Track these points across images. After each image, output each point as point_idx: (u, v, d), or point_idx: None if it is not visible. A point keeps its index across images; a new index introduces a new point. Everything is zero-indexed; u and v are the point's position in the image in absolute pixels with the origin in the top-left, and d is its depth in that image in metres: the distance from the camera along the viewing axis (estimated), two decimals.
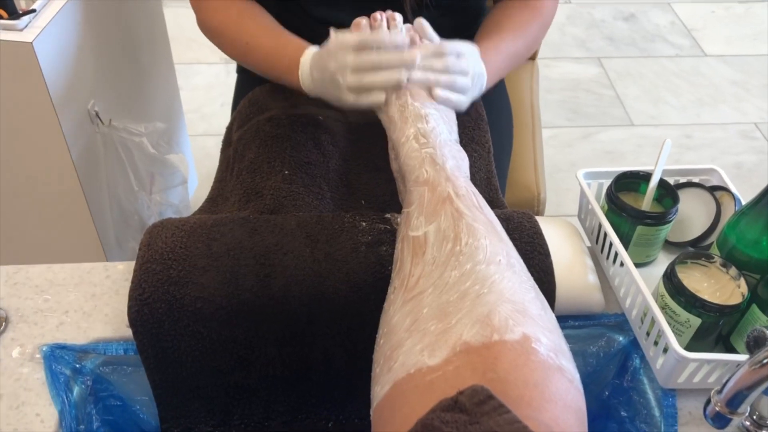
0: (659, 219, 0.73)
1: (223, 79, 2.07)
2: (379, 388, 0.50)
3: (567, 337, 0.64)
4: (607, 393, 0.71)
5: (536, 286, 0.56)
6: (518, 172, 1.08)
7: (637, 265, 0.75)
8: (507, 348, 0.47)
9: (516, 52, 0.90)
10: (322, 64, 0.75)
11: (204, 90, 2.03)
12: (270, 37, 0.84)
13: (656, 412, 0.66)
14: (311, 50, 0.79)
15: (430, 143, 0.69)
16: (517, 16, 0.90)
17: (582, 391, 0.49)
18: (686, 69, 2.30)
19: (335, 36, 0.74)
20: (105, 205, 1.09)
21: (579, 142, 1.96)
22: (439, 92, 0.73)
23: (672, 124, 2.05)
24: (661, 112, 2.09)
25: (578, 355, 0.73)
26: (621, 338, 0.72)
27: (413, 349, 0.49)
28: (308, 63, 0.78)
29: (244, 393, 0.70)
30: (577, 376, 0.49)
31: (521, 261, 0.59)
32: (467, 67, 0.76)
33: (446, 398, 0.42)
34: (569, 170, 1.84)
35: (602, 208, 0.77)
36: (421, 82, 0.74)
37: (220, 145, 0.97)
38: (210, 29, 0.88)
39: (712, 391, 0.50)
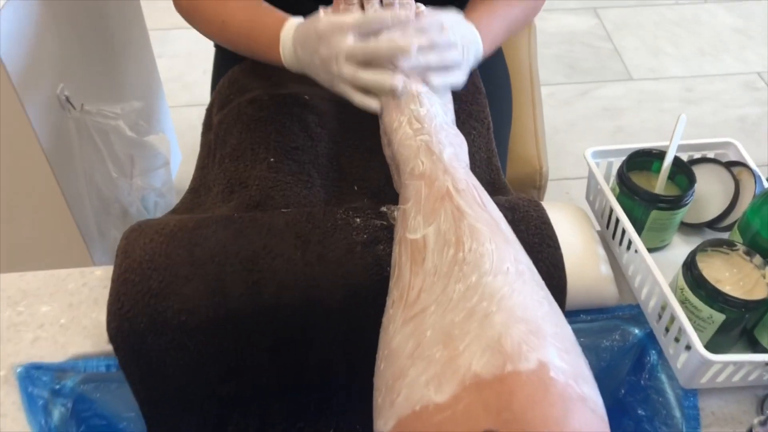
0: (675, 203, 0.68)
1: (204, 44, 1.97)
2: (383, 423, 0.46)
3: (578, 332, 0.59)
4: (623, 391, 0.68)
5: (549, 294, 0.52)
6: (518, 144, 1.02)
7: (651, 250, 0.70)
8: (522, 380, 0.42)
9: (514, 16, 0.83)
10: (311, 46, 0.67)
11: (184, 57, 1.94)
12: (247, 12, 0.76)
13: (677, 413, 0.62)
14: (292, 23, 0.71)
15: (425, 129, 0.63)
16: None
17: (606, 419, 0.45)
18: (686, 17, 2.21)
19: (326, 16, 0.66)
20: (83, 195, 1.03)
21: (577, 100, 1.90)
22: (434, 81, 0.66)
23: (672, 77, 1.98)
24: (660, 63, 2.02)
25: (590, 350, 0.69)
26: (636, 331, 0.68)
27: (418, 381, 0.44)
28: (290, 38, 0.71)
29: (237, 404, 0.66)
30: (599, 401, 0.45)
31: (530, 264, 0.54)
32: (454, 38, 0.69)
33: None
34: (568, 131, 1.78)
35: (613, 190, 0.72)
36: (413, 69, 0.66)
37: (203, 115, 0.91)
38: (184, 9, 0.80)
39: (755, 422, 0.46)
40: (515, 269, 0.51)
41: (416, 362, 0.46)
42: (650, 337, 0.67)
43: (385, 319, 0.53)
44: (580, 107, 1.87)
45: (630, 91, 1.92)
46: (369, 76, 0.64)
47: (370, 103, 0.66)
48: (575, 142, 1.75)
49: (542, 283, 0.53)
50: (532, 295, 0.49)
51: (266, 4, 0.77)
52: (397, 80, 0.64)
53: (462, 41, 0.69)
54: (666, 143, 0.72)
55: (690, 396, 0.62)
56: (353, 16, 0.64)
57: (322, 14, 0.66)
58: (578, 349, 0.48)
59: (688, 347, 0.59)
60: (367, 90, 0.66)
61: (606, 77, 1.97)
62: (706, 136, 0.72)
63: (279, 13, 0.74)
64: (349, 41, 0.63)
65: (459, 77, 0.69)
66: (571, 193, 1.62)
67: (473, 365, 0.43)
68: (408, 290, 0.52)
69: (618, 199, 0.71)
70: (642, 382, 0.66)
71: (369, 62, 0.65)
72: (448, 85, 0.68)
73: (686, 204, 0.69)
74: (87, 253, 1.04)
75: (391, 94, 0.64)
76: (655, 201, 0.68)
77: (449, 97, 0.70)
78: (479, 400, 0.42)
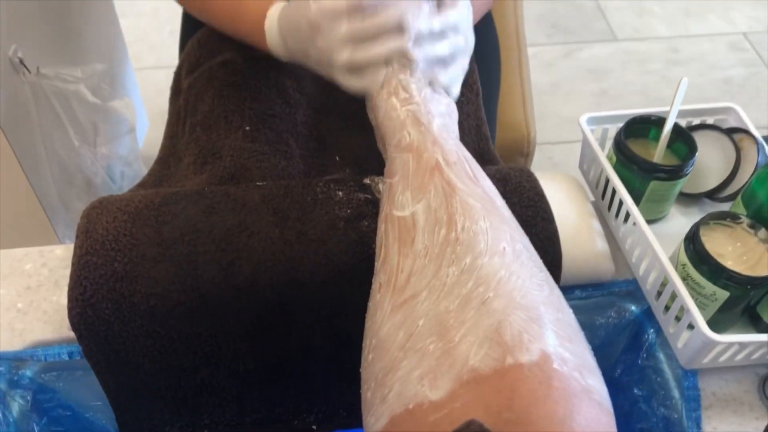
0: (675, 173, 0.65)
1: (171, 2, 1.88)
2: (373, 421, 0.42)
3: (572, 308, 0.56)
4: (618, 371, 0.65)
5: (548, 276, 0.48)
6: (505, 108, 0.97)
7: (648, 222, 0.67)
8: (524, 375, 0.38)
9: None
10: (304, 38, 0.59)
11: (150, 16, 1.84)
12: None
13: (676, 393, 0.59)
14: (275, 11, 0.63)
15: (413, 98, 0.58)
16: None
17: (612, 411, 0.41)
18: None
19: (317, 3, 0.57)
20: (43, 165, 0.96)
21: (560, 61, 1.85)
22: (442, 78, 0.59)
23: (657, 37, 1.93)
24: (645, 23, 1.97)
25: (585, 327, 0.64)
26: (633, 308, 0.65)
27: (411, 376, 0.41)
28: (275, 28, 0.62)
29: (213, 390, 0.62)
30: (605, 392, 0.42)
31: (528, 243, 0.50)
32: (464, 44, 0.61)
33: None
34: (551, 93, 1.73)
35: (609, 158, 0.68)
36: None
37: (171, 78, 0.85)
38: None
39: None
40: (512, 249, 0.48)
41: (408, 355, 0.42)
42: (647, 314, 0.64)
43: (371, 305, 0.49)
44: (563, 68, 1.82)
45: (614, 52, 1.87)
46: (371, 50, 0.56)
47: (371, 78, 0.58)
48: (559, 104, 1.70)
49: (541, 263, 0.49)
50: (531, 278, 0.45)
51: None
52: (407, 41, 0.56)
53: (469, 44, 0.62)
54: (656, 108, 0.68)
55: (690, 376, 0.59)
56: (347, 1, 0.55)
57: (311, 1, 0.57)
58: (581, 335, 0.45)
59: (691, 326, 0.56)
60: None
61: (590, 37, 1.91)
62: (692, 98, 0.68)
63: None
64: (344, 27, 0.56)
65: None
66: (555, 158, 1.58)
67: (471, 359, 0.39)
68: (396, 273, 0.48)
69: (614, 168, 0.67)
70: (639, 361, 0.63)
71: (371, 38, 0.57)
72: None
73: (686, 174, 0.65)
74: (50, 226, 0.98)
75: (401, 59, 0.57)
76: (654, 171, 0.64)
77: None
78: (478, 398, 0.38)
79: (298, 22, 0.59)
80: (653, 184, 0.65)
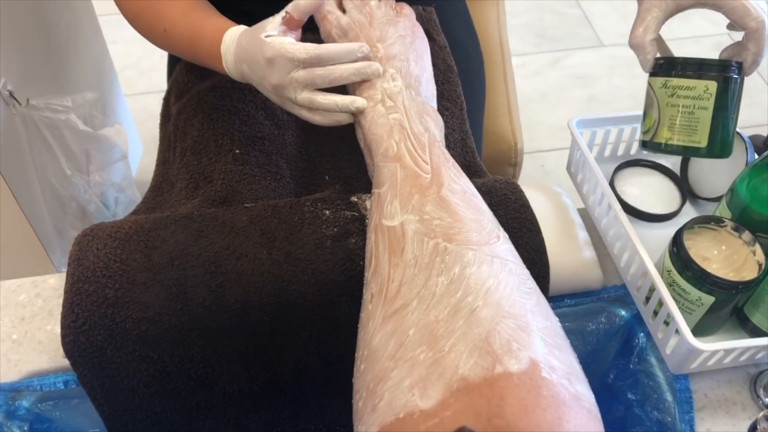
0: None
1: None
2: (363, 430, 0.42)
3: (562, 316, 0.56)
4: (611, 376, 0.65)
5: (535, 285, 0.49)
6: (492, 120, 0.98)
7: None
8: (513, 383, 0.39)
9: None
10: (259, 71, 0.60)
11: (141, 42, 1.84)
12: (186, 20, 0.68)
13: (668, 396, 0.60)
14: (231, 36, 0.63)
15: (398, 106, 0.59)
16: None
17: (600, 418, 0.42)
18: None
19: (274, 41, 0.58)
20: (36, 195, 0.97)
21: (548, 69, 1.86)
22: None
23: None
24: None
25: (576, 334, 0.67)
26: (623, 312, 0.66)
27: (401, 385, 0.41)
28: (231, 53, 0.63)
29: (209, 413, 0.63)
30: (592, 398, 0.42)
31: (514, 250, 0.51)
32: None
33: None
34: (540, 101, 1.75)
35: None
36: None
37: (162, 103, 0.85)
38: (126, 14, 0.72)
39: (760, 416, 0.44)
40: (500, 258, 0.48)
41: (399, 364, 0.42)
42: (638, 319, 0.64)
43: (363, 316, 0.50)
44: (551, 76, 1.83)
45: (602, 58, 1.89)
46: (329, 101, 0.59)
47: (339, 118, 0.61)
48: (548, 112, 1.72)
49: (527, 272, 0.50)
50: (519, 286, 0.46)
51: (207, 7, 0.69)
52: (362, 102, 0.59)
53: None
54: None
55: (681, 378, 0.59)
56: (305, 49, 0.57)
57: (268, 39, 0.58)
58: (568, 343, 0.45)
59: (678, 332, 0.57)
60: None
61: (576, 44, 1.93)
62: None
63: (218, 20, 0.66)
64: (301, 72, 0.58)
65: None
66: (547, 166, 1.59)
67: (460, 367, 0.40)
68: (387, 283, 0.48)
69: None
70: (631, 365, 0.63)
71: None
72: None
73: None
74: (45, 255, 0.98)
75: (357, 113, 0.60)
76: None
77: (426, 66, 0.65)
78: (468, 406, 0.38)
79: (255, 53, 0.59)
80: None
